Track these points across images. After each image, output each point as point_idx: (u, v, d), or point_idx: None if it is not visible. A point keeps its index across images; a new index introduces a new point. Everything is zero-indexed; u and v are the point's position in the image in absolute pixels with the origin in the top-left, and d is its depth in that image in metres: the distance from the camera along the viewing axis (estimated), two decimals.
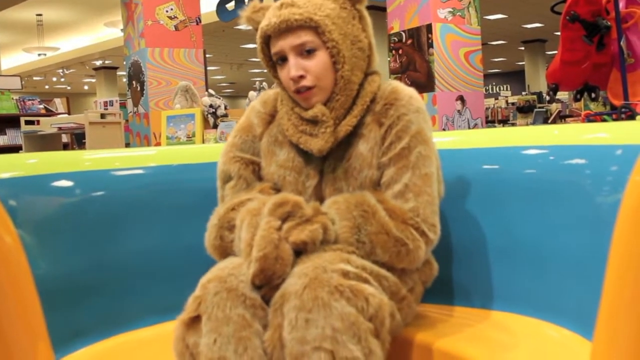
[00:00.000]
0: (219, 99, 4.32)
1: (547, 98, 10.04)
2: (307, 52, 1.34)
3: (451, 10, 5.60)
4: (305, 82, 1.34)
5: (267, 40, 1.38)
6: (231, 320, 1.16)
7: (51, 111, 7.97)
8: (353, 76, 1.36)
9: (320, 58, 1.34)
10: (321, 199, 1.38)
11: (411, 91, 1.44)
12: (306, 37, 1.33)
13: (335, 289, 1.14)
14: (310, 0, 1.33)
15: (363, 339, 1.12)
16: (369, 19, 1.42)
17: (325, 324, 1.10)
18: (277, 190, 1.44)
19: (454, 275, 1.59)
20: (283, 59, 1.36)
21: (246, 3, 7.40)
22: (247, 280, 1.22)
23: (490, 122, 11.91)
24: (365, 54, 1.40)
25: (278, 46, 1.35)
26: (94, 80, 21.99)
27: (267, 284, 1.21)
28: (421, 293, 1.44)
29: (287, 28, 1.32)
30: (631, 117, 3.86)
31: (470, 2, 5.75)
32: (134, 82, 6.79)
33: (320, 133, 1.35)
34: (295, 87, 1.35)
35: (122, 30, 7.40)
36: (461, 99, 5.64)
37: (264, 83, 4.28)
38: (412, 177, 1.34)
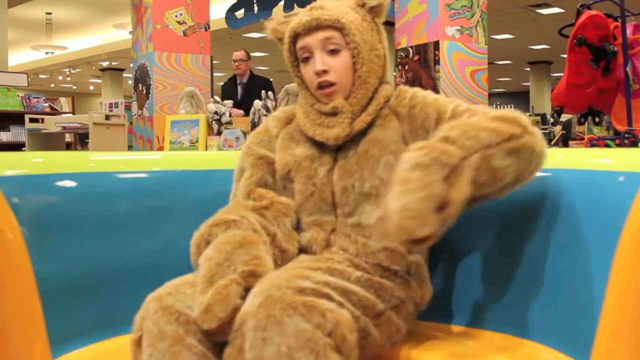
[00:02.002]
0: (224, 106, 4.34)
1: (551, 120, 10.05)
2: (331, 51, 1.45)
3: (459, 28, 5.63)
4: (328, 77, 1.45)
5: (294, 40, 1.48)
6: (165, 336, 1.21)
7: (56, 110, 8.00)
8: (370, 78, 1.47)
9: (343, 58, 1.45)
10: (330, 185, 1.45)
11: (417, 88, 1.55)
12: (333, 35, 1.44)
13: (288, 305, 1.13)
14: (338, 8, 1.47)
15: (322, 355, 1.11)
16: (384, 34, 1.54)
17: (280, 341, 1.10)
18: (271, 203, 1.47)
19: (449, 294, 1.59)
20: (307, 58, 1.47)
21: (255, 12, 7.43)
22: (185, 302, 1.25)
23: None
24: (382, 61, 1.51)
25: (305, 42, 1.46)
26: (99, 81, 22.07)
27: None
28: (411, 313, 1.42)
29: (316, 26, 1.44)
30: (634, 143, 3.87)
31: (478, 21, 5.77)
32: (140, 85, 6.81)
33: (338, 123, 1.45)
34: (318, 82, 1.45)
35: (130, 32, 7.43)
36: None
37: (270, 92, 4.29)
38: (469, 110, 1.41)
